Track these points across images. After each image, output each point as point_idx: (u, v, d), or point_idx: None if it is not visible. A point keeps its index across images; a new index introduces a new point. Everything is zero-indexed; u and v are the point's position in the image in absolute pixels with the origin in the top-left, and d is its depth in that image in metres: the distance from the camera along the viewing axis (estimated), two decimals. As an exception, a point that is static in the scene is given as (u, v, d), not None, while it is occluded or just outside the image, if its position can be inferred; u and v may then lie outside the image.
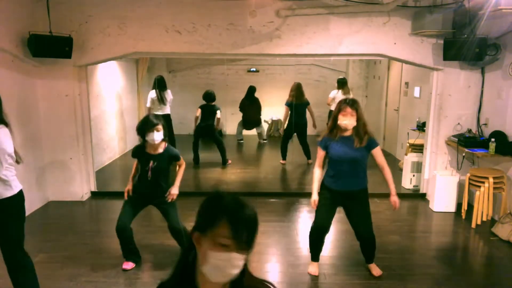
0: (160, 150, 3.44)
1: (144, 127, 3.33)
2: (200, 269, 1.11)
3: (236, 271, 1.08)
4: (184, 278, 1.14)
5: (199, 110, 7.01)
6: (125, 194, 3.56)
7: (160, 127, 3.34)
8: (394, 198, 3.25)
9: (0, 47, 4.24)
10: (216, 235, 1.06)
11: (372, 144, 3.21)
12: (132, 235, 3.58)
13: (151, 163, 3.40)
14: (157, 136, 3.33)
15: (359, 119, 3.15)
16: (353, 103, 3.15)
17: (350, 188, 3.24)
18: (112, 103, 7.55)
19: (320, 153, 3.29)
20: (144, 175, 3.45)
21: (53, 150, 5.18)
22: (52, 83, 5.05)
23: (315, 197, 3.29)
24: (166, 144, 3.50)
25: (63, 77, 5.06)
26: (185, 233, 3.64)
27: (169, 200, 3.51)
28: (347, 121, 3.12)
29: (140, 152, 3.47)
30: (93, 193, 5.52)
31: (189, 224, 3.69)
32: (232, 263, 1.07)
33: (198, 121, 7.07)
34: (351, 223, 3.40)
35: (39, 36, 4.50)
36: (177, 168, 3.64)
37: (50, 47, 4.60)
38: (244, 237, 1.06)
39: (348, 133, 3.19)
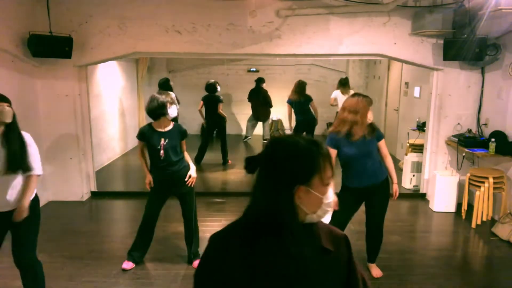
0: (169, 126, 3.44)
1: (160, 104, 3.32)
2: (302, 220, 1.12)
3: None
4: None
5: (201, 102, 7.00)
6: (147, 186, 3.52)
7: (174, 100, 3.40)
8: (395, 187, 3.34)
9: (0, 47, 4.24)
10: (324, 178, 1.10)
11: (380, 135, 3.28)
12: (154, 230, 3.61)
13: (162, 141, 3.37)
14: (174, 109, 3.38)
15: (363, 115, 3.17)
16: None
17: (374, 182, 3.23)
18: (112, 103, 7.56)
19: (331, 152, 3.18)
20: (156, 156, 3.39)
21: (53, 150, 5.18)
22: (52, 83, 5.05)
23: (335, 198, 3.20)
24: (174, 122, 3.53)
25: (63, 77, 5.06)
26: (196, 226, 3.67)
27: (189, 184, 3.50)
28: (370, 115, 3.19)
29: (150, 131, 3.41)
30: (93, 193, 5.52)
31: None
32: (332, 198, 1.14)
33: (204, 114, 7.05)
34: (366, 213, 3.40)
35: (39, 36, 4.50)
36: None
37: (50, 47, 4.60)
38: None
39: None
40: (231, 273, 1.08)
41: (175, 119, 3.55)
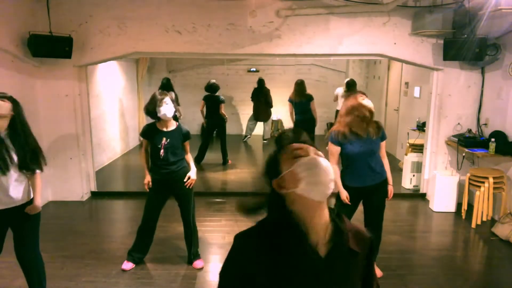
0: (172, 127, 3.44)
1: (153, 103, 3.34)
2: (296, 206, 1.13)
3: (330, 179, 1.11)
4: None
5: (203, 102, 7.00)
6: (146, 187, 3.52)
7: (167, 100, 3.34)
8: (390, 188, 3.32)
9: (0, 47, 4.24)
10: (290, 155, 1.15)
11: (384, 135, 3.26)
12: (154, 231, 3.62)
13: (163, 140, 3.37)
14: (166, 109, 3.31)
15: (371, 113, 3.15)
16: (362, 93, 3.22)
17: (373, 182, 3.22)
18: (112, 103, 7.56)
19: (335, 149, 3.17)
20: (156, 154, 3.40)
21: (53, 150, 5.18)
22: (52, 83, 5.05)
23: (346, 193, 3.18)
24: (178, 123, 3.52)
25: (63, 77, 5.06)
26: (194, 227, 3.65)
27: (187, 186, 3.48)
28: (366, 102, 3.10)
29: (152, 130, 3.43)
30: (93, 193, 5.52)
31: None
32: (319, 166, 1.11)
33: (205, 114, 7.05)
34: (365, 212, 3.39)
35: (39, 36, 4.50)
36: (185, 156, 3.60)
37: (50, 47, 4.60)
38: (305, 136, 1.20)
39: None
40: (253, 272, 1.11)
41: (175, 118, 3.53)
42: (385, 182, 3.30)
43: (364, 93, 3.21)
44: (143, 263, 3.66)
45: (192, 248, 3.64)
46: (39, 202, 2.73)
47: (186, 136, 3.50)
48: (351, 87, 7.63)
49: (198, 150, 7.02)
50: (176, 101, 6.65)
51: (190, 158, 3.59)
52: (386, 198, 3.34)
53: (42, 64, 4.96)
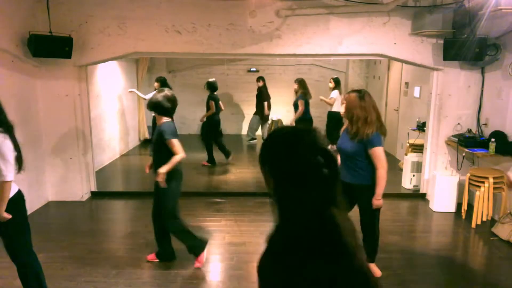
0: (160, 123, 3.44)
1: None
2: None
3: None
4: None
5: (213, 103, 6.85)
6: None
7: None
8: (375, 201, 3.17)
9: (0, 47, 4.24)
10: None
11: (369, 143, 3.11)
12: (160, 226, 3.57)
13: (154, 136, 3.54)
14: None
15: (349, 110, 3.19)
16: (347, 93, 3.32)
17: (353, 181, 3.23)
18: (112, 103, 7.56)
19: None
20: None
21: (53, 150, 5.18)
22: (52, 83, 5.05)
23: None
24: (165, 120, 3.39)
25: (63, 77, 5.06)
26: (167, 226, 3.59)
27: (157, 179, 3.28)
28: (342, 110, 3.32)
29: (155, 125, 3.65)
30: (93, 193, 5.51)
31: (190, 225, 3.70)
32: None
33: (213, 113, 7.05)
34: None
35: (39, 36, 4.50)
36: None
37: (50, 47, 4.60)
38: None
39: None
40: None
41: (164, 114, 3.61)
42: (368, 187, 3.19)
43: (348, 94, 3.29)
44: (142, 263, 3.66)
45: (164, 247, 3.66)
46: (1, 212, 2.52)
47: (159, 134, 3.33)
48: (338, 84, 7.68)
49: (219, 148, 7.06)
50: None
51: (176, 158, 3.29)
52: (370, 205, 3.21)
53: (42, 64, 4.96)
